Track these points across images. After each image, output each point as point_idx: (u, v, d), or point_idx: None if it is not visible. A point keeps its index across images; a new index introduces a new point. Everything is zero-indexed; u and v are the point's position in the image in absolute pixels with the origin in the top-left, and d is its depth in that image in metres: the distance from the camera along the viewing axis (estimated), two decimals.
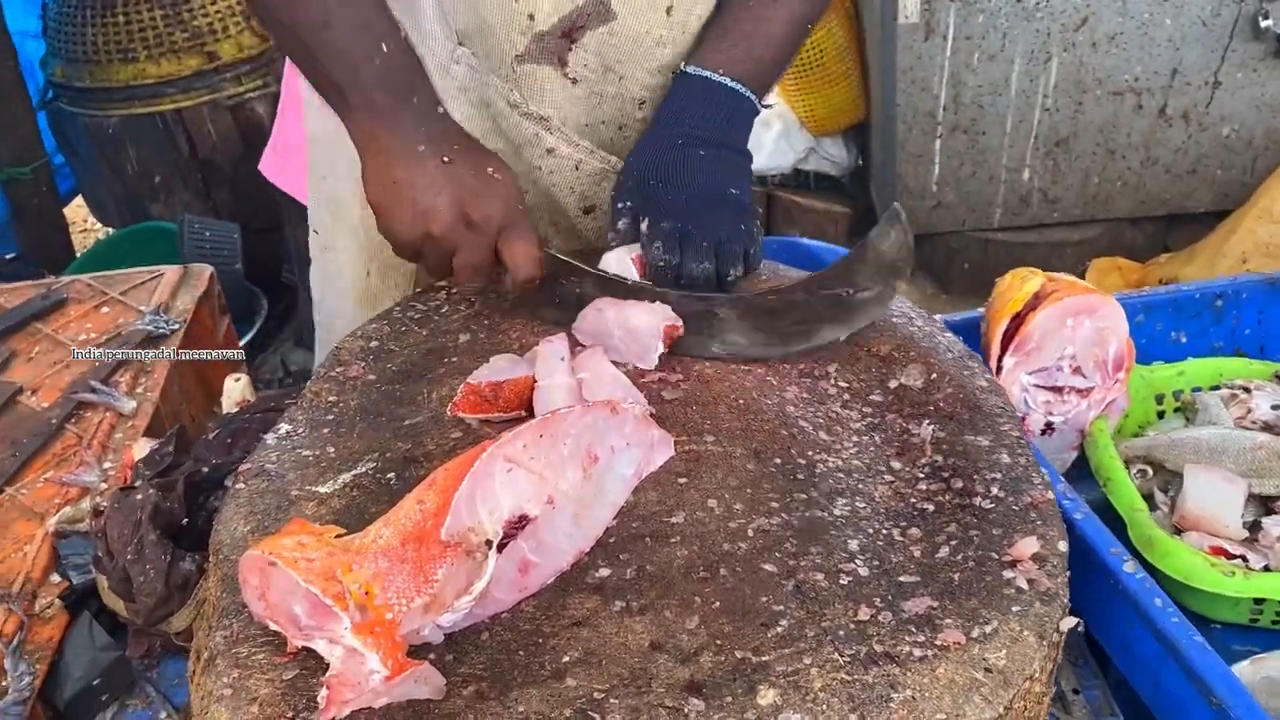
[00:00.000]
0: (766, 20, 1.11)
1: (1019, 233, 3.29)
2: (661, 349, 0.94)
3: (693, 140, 1.05)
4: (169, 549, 0.87)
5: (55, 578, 1.01)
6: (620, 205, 1.05)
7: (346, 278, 1.20)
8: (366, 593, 0.65)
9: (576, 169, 1.15)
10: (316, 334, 1.29)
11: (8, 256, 3.29)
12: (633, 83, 1.12)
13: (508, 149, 1.13)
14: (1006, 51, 3.03)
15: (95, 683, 0.92)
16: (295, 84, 1.20)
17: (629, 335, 0.95)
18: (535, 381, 0.87)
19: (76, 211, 3.85)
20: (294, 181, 1.24)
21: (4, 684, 0.91)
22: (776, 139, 3.60)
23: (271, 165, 1.30)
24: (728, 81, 1.07)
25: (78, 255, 3.31)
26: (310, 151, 1.15)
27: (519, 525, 0.71)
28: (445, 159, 0.93)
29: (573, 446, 0.76)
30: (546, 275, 0.98)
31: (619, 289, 0.98)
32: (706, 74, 1.08)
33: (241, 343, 2.65)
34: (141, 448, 1.07)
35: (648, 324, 0.95)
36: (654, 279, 1.00)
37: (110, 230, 3.65)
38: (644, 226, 1.01)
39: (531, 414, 0.87)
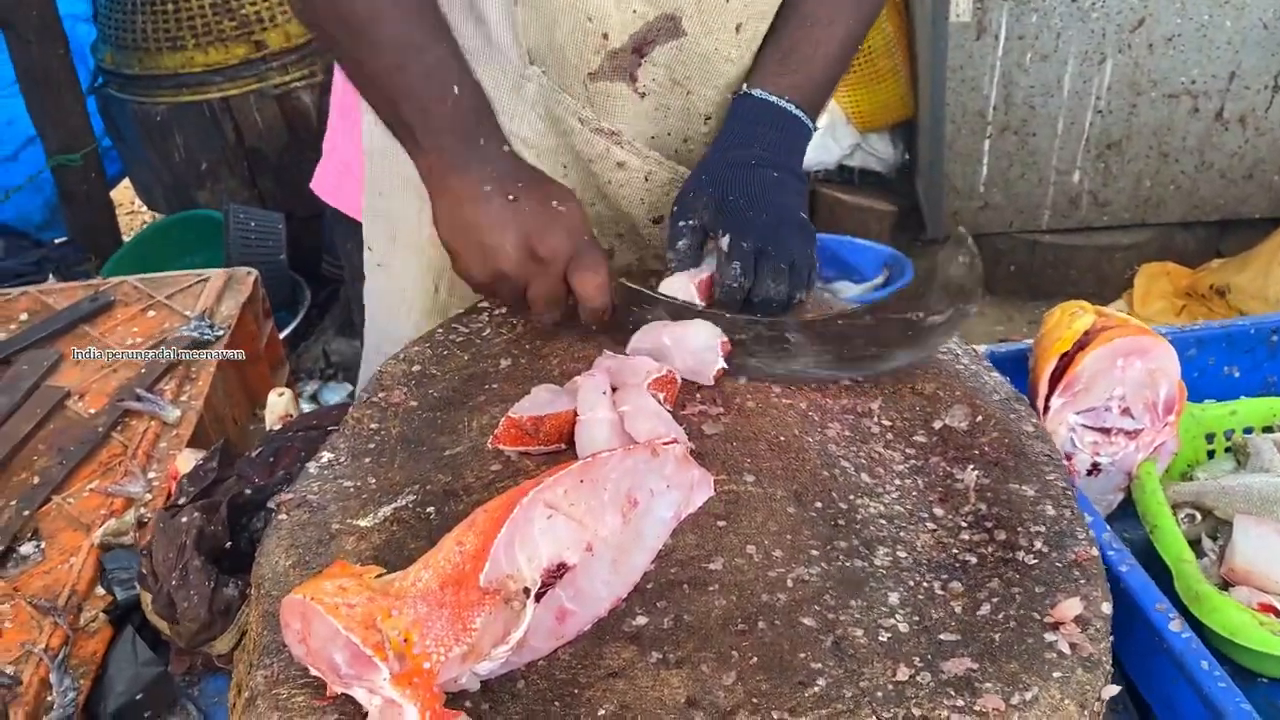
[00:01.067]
0: (824, 42, 1.11)
1: (1067, 235, 3.25)
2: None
3: (764, 162, 1.07)
4: (213, 575, 0.88)
5: (100, 590, 1.03)
6: (683, 223, 1.06)
7: (409, 294, 1.21)
8: (406, 640, 0.66)
9: (646, 180, 1.16)
10: (364, 354, 1.31)
11: (57, 241, 3.35)
12: (699, 98, 1.13)
13: (578, 164, 1.14)
14: (1060, 52, 2.98)
15: (138, 698, 0.94)
16: (349, 98, 1.21)
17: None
18: (576, 416, 0.87)
19: (124, 193, 3.90)
20: (349, 201, 1.25)
21: (50, 698, 0.93)
22: (822, 134, 3.57)
23: (326, 185, 1.30)
24: (791, 107, 1.09)
25: (124, 238, 3.37)
26: (367, 166, 1.16)
27: (558, 573, 0.72)
28: (511, 197, 0.94)
29: (613, 492, 0.76)
30: (619, 303, 0.99)
31: (688, 314, 0.99)
32: (772, 99, 1.09)
33: (284, 333, 2.70)
34: (186, 460, 1.09)
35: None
36: (723, 299, 1.01)
37: (157, 215, 3.70)
38: (723, 243, 1.01)
39: (571, 446, 0.88)
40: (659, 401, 0.90)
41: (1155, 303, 3.11)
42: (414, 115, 0.95)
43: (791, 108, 1.09)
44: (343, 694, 0.67)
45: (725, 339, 0.96)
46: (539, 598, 0.70)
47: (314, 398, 2.68)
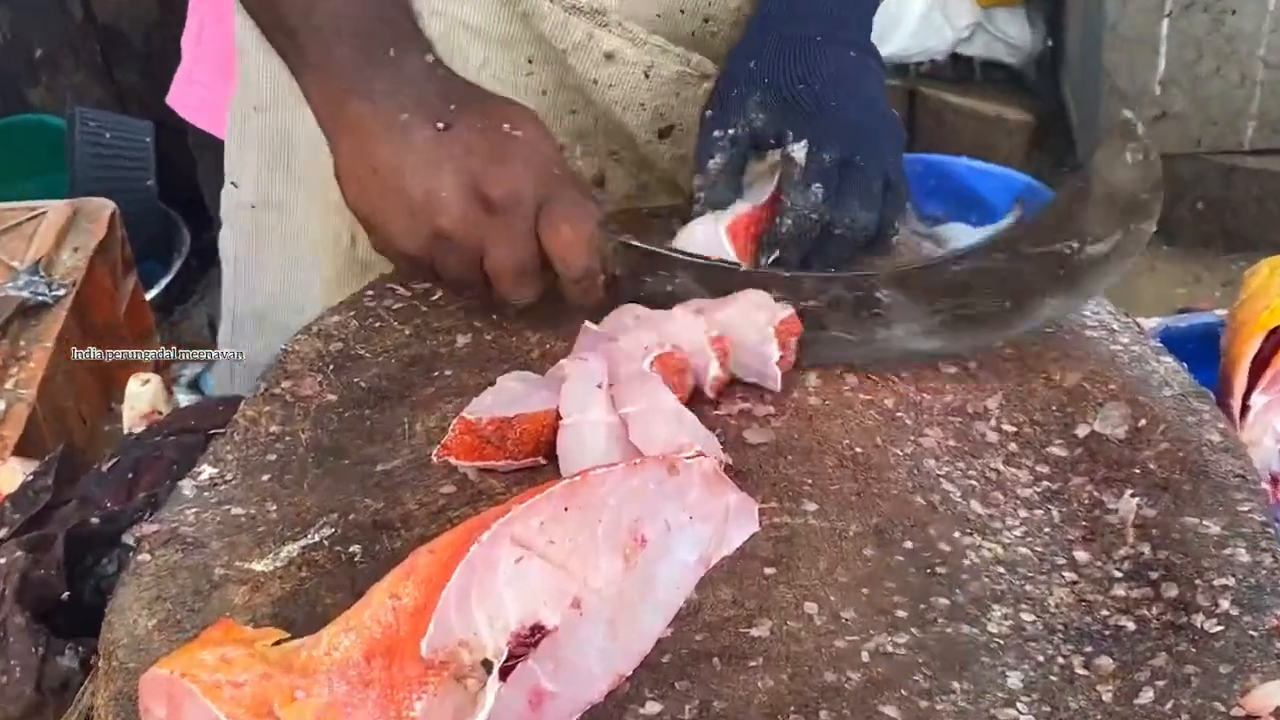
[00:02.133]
0: None
1: None
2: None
3: (830, 38, 1.08)
4: (42, 638, 0.89)
5: None
6: (720, 133, 1.06)
7: (311, 243, 1.22)
8: None
9: (646, 76, 1.17)
10: (220, 332, 1.32)
11: None
12: None
13: (549, 59, 1.15)
14: None
15: None
16: None
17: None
18: (559, 419, 0.88)
19: None
20: (219, 118, 1.26)
21: None
22: (926, 9, 3.55)
23: (189, 97, 1.32)
24: None
25: None
26: (240, 68, 1.17)
27: (532, 640, 0.72)
28: (441, 124, 0.94)
29: (611, 524, 0.76)
30: (620, 268, 0.99)
31: (726, 278, 0.99)
32: None
33: (153, 292, 2.72)
34: (11, 474, 1.10)
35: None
36: (788, 237, 1.02)
37: None
38: (796, 154, 1.02)
39: (552, 459, 0.89)
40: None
41: None
42: (295, 15, 0.95)
43: None
44: None
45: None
46: (505, 674, 0.70)
47: (194, 385, 2.70)
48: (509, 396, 0.90)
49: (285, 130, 1.17)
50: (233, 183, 1.22)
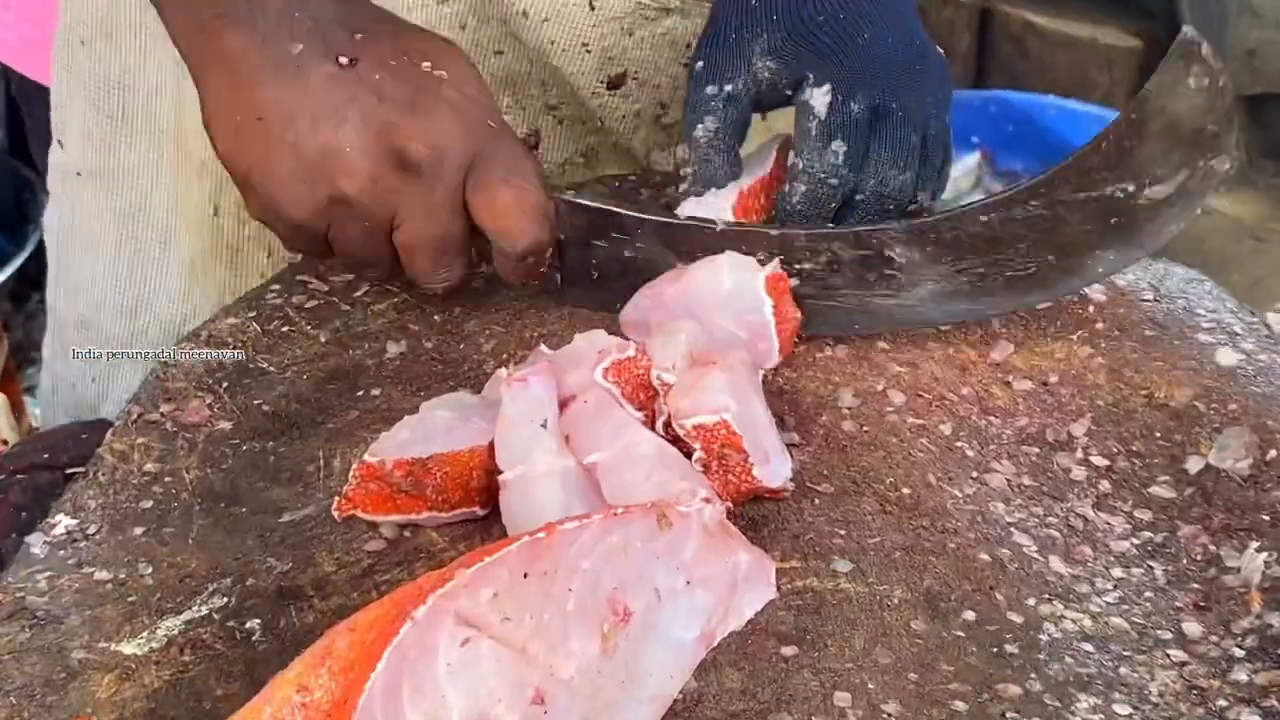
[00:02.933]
0: None
1: None
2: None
3: None
4: None
5: None
6: (714, 88, 1.07)
7: (148, 226, 1.22)
8: None
9: (591, 7, 1.18)
10: (46, 342, 1.32)
11: None
12: None
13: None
14: None
15: None
16: None
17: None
18: (497, 464, 0.88)
19: None
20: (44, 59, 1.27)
21: None
22: None
23: (9, 40, 1.32)
24: None
25: None
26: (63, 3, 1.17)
27: None
28: (343, 59, 0.95)
29: (584, 594, 0.77)
30: (568, 237, 1.01)
31: (699, 239, 1.01)
32: None
33: (3, 274, 2.72)
34: None
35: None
36: (798, 213, 1.03)
37: None
38: (815, 103, 1.03)
39: (497, 511, 0.89)
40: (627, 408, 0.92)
41: None
42: None
43: None
44: None
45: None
46: None
47: None
48: (428, 430, 0.91)
49: (122, 70, 1.17)
50: (58, 141, 1.21)
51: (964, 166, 3.34)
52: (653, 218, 1.02)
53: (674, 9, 1.18)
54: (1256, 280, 3.07)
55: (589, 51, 1.20)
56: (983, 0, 3.65)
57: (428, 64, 0.96)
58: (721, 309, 0.99)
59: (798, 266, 0.99)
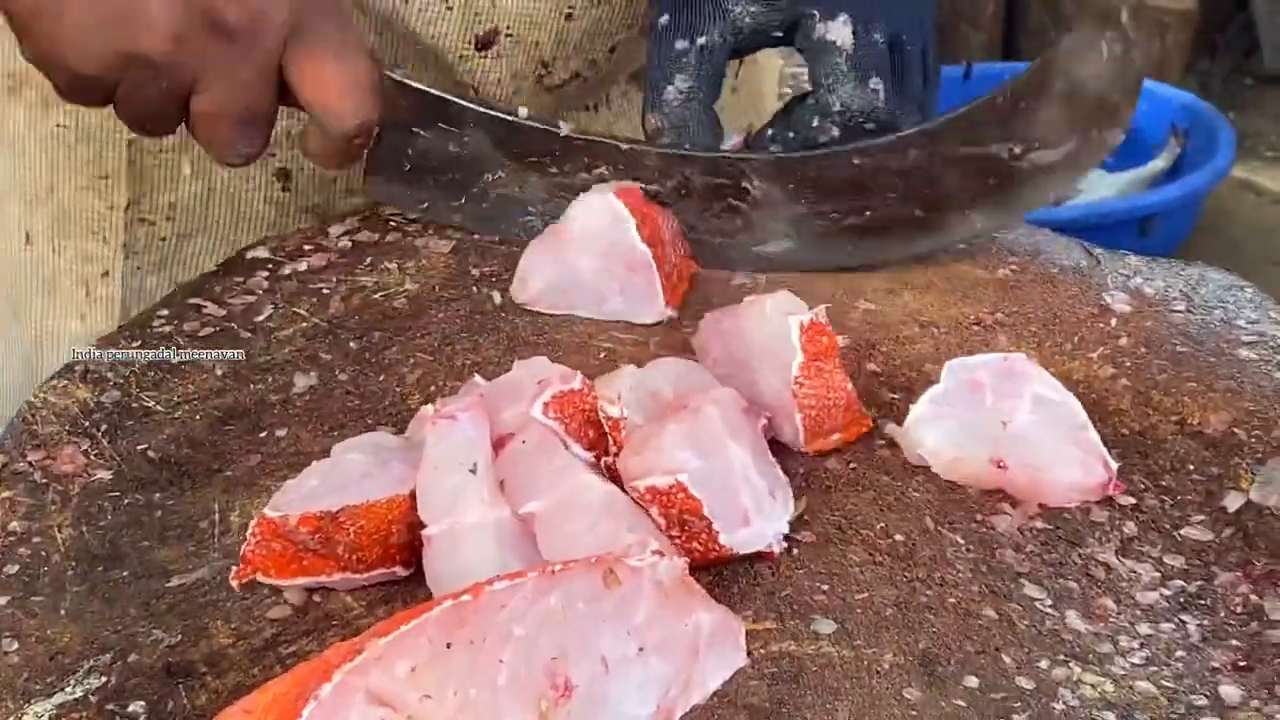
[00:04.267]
0: None
1: None
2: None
3: None
4: None
5: None
6: (686, 43, 1.09)
7: None
8: None
9: None
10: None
11: None
12: None
13: None
14: None
15: None
16: None
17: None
18: (420, 516, 0.89)
19: None
20: None
21: None
22: None
23: None
24: None
25: None
26: None
27: None
28: None
29: (519, 666, 0.77)
30: (391, 121, 1.04)
31: (540, 143, 1.05)
32: None
33: None
34: None
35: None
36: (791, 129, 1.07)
37: None
38: (838, 35, 1.05)
39: (420, 571, 0.90)
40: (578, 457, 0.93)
41: None
42: None
43: None
44: None
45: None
46: None
47: None
48: (341, 477, 0.91)
49: None
50: None
51: None
52: (489, 111, 1.05)
53: None
54: None
55: (450, 7, 1.20)
56: None
57: None
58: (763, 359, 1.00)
59: (644, 187, 1.02)
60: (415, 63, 1.23)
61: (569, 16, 1.20)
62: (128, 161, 1.24)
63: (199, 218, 1.28)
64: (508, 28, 1.20)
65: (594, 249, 1.02)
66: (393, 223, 1.18)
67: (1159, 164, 3.27)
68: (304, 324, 1.07)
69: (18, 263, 1.27)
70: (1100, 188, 3.28)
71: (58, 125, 1.23)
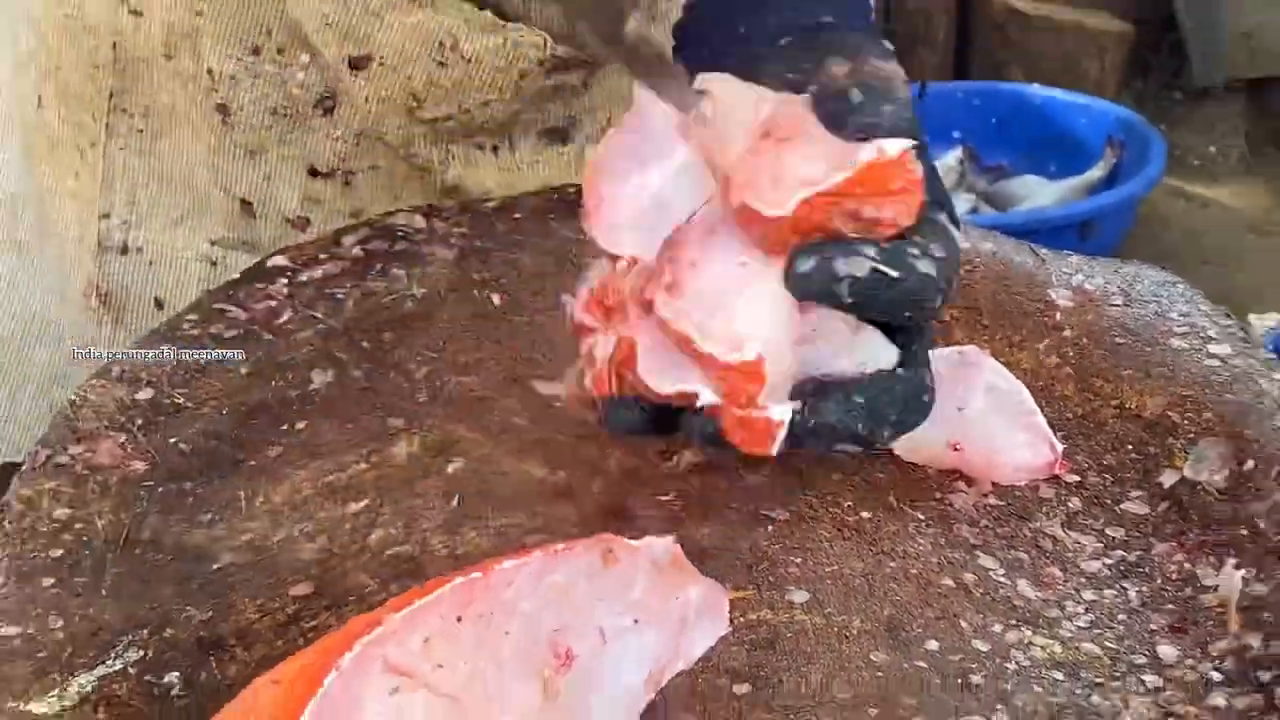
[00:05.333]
0: None
1: None
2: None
3: None
4: None
5: None
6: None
7: None
8: None
9: None
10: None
11: None
12: None
13: None
14: None
15: None
16: None
17: None
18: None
19: None
20: None
21: None
22: None
23: None
24: None
25: None
26: None
27: None
28: None
29: (524, 638, 0.78)
30: None
31: None
32: None
33: None
34: None
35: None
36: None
37: None
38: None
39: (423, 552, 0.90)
40: None
41: None
42: None
43: None
44: None
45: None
46: None
47: None
48: None
49: None
50: None
51: (943, 165, 3.35)
52: None
53: (425, 1, 1.18)
54: (1259, 276, 3.09)
55: (330, 26, 1.20)
56: None
57: None
58: None
59: None
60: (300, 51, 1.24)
61: (440, 64, 1.19)
62: (114, 59, 1.26)
63: (169, 124, 1.30)
64: (381, 57, 1.20)
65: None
66: (400, 233, 1.18)
67: (1097, 173, 3.28)
68: (320, 326, 1.08)
69: (32, 122, 1.32)
70: (1044, 195, 3.29)
71: (65, 15, 1.27)
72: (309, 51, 1.23)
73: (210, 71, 1.23)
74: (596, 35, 1.23)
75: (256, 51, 1.23)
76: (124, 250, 1.32)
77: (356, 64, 1.20)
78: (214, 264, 1.32)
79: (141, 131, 1.30)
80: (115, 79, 1.28)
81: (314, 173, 1.28)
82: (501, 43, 1.19)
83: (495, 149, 1.27)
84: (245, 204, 1.30)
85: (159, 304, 1.32)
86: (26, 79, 1.33)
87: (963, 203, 3.29)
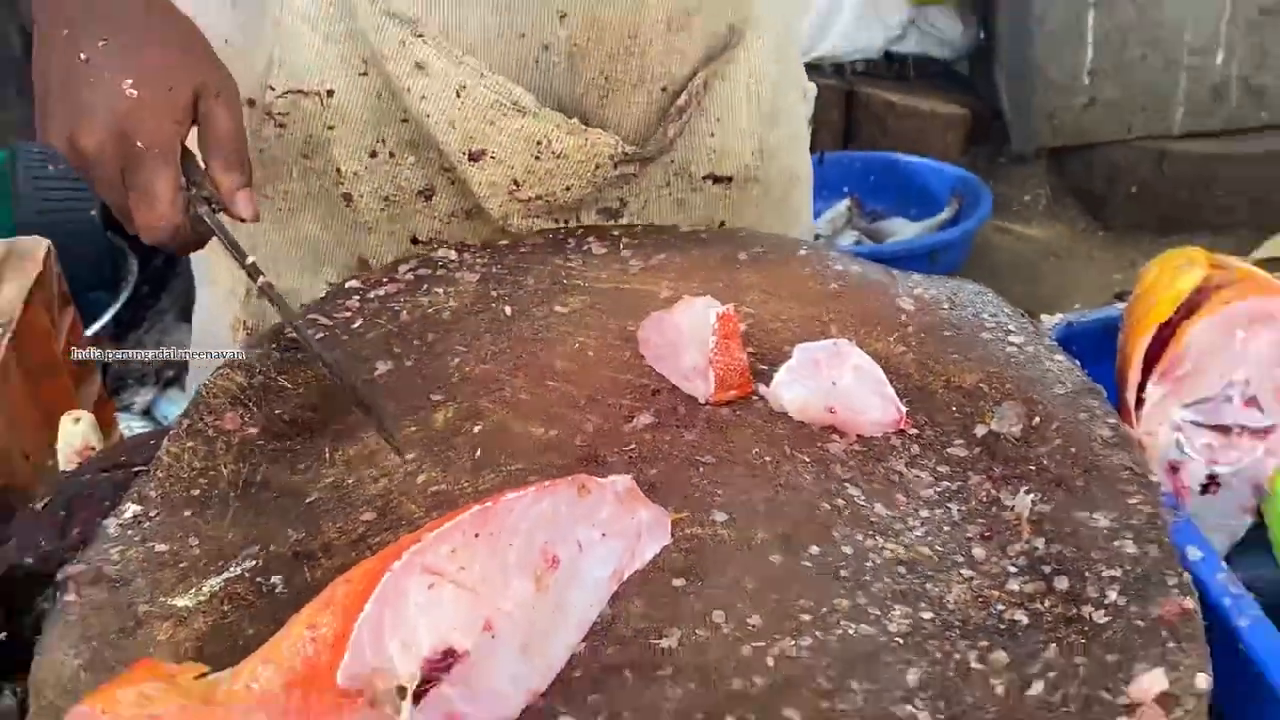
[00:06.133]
0: None
1: (1209, 142, 3.28)
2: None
3: None
4: None
5: None
6: None
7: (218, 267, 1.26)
8: None
9: (458, 96, 1.16)
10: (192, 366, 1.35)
11: None
12: None
13: (375, 60, 1.16)
14: None
15: None
16: None
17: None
18: None
19: None
20: None
21: None
22: (859, 7, 3.58)
23: None
24: None
25: None
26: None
27: (444, 664, 0.74)
28: (83, 56, 0.98)
29: (522, 548, 0.78)
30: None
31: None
32: None
33: (99, 324, 2.72)
34: None
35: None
36: None
37: None
38: None
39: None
40: None
41: None
42: None
43: None
44: None
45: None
46: (419, 698, 0.72)
47: (147, 413, 2.70)
48: None
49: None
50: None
51: (836, 211, 3.37)
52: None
53: (527, 109, 1.17)
54: (1058, 288, 3.11)
55: (455, 130, 1.18)
56: (847, 84, 3.68)
57: (128, 82, 0.99)
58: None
59: None
60: (421, 157, 1.23)
61: (536, 158, 1.18)
62: (259, 159, 1.23)
63: (303, 204, 1.28)
64: (492, 150, 1.18)
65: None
66: (440, 263, 1.18)
67: (944, 215, 3.27)
68: (382, 329, 1.08)
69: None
70: (907, 231, 3.30)
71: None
72: (415, 154, 1.21)
73: (339, 170, 1.22)
74: (645, 141, 1.22)
75: (374, 155, 1.22)
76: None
77: (474, 156, 1.19)
78: None
79: (280, 209, 1.26)
80: (259, 171, 1.23)
81: (414, 240, 1.27)
82: (584, 143, 1.18)
83: (566, 222, 1.26)
84: (362, 260, 1.28)
85: None
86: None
87: (849, 237, 3.30)
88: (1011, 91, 3.47)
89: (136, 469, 0.99)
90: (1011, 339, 1.01)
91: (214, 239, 1.04)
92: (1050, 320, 1.14)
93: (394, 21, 1.12)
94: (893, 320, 1.06)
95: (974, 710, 0.76)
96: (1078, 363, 0.99)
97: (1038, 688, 0.76)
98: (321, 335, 1.07)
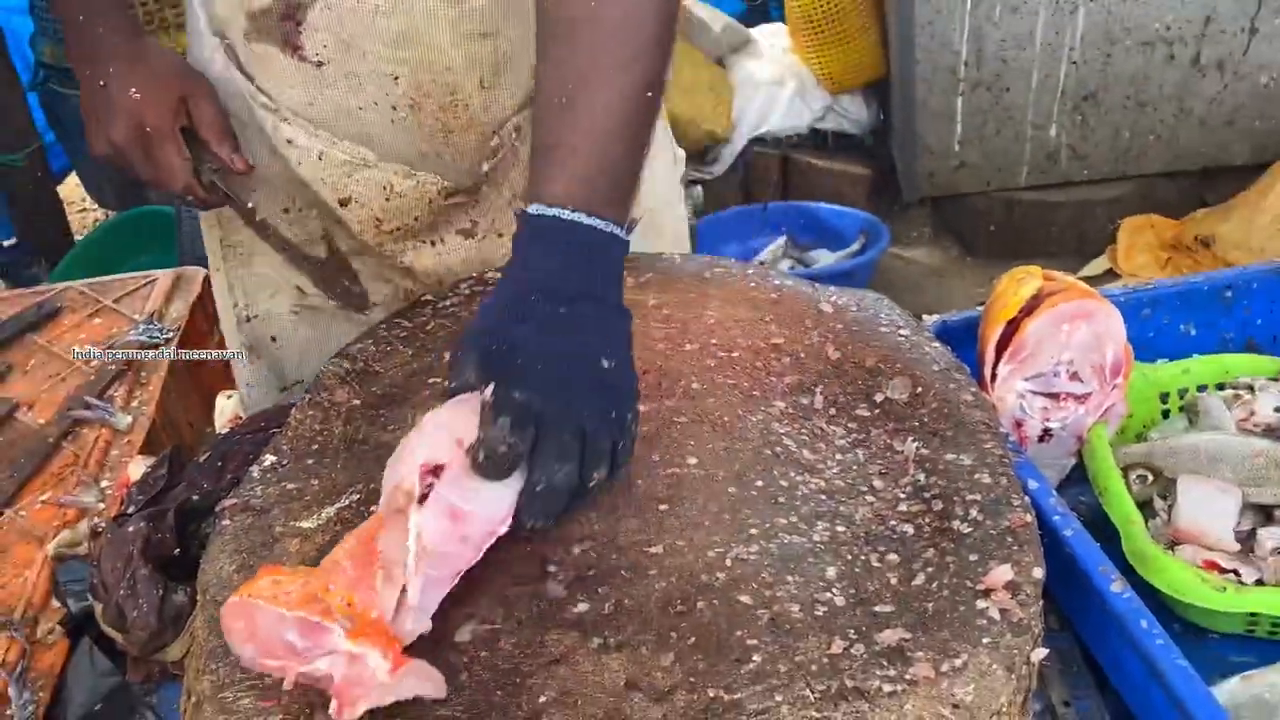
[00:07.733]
0: (589, 115, 0.88)
1: (1047, 192, 3.29)
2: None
3: (549, 295, 0.83)
4: (161, 583, 0.92)
5: (55, 603, 1.07)
6: (454, 384, 0.82)
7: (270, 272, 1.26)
8: (349, 603, 0.70)
9: (320, 159, 1.13)
10: (241, 361, 1.30)
11: (6, 244, 3.36)
12: (375, 58, 1.08)
13: (263, 137, 1.15)
14: (1030, 3, 3.00)
15: (97, 709, 0.98)
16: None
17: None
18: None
19: (74, 190, 3.91)
20: None
21: (8, 712, 0.97)
22: (791, 97, 3.60)
23: None
24: (581, 218, 0.85)
25: (75, 238, 3.38)
26: None
27: (435, 474, 0.74)
28: (102, 84, 1.07)
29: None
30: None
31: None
32: (553, 212, 0.85)
33: None
34: (137, 468, 1.12)
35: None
36: (487, 467, 0.76)
37: (109, 213, 3.70)
38: (486, 394, 0.77)
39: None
40: None
41: (1139, 257, 3.15)
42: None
43: (582, 217, 0.85)
44: (288, 694, 0.71)
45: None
46: (423, 499, 0.73)
47: None
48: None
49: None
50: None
51: (774, 245, 3.38)
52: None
53: (373, 164, 1.14)
54: (937, 299, 3.13)
55: (326, 185, 1.15)
56: (783, 152, 3.68)
57: (134, 90, 1.08)
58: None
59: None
60: (302, 205, 1.20)
61: (387, 199, 1.15)
62: (218, 222, 1.25)
63: (255, 249, 1.26)
64: (356, 198, 1.15)
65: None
66: (489, 282, 1.17)
67: (854, 247, 3.28)
68: (451, 329, 1.07)
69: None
70: (827, 259, 3.30)
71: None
72: (312, 208, 1.19)
73: (266, 223, 1.21)
74: (469, 176, 1.18)
75: (286, 210, 1.20)
76: (248, 320, 1.27)
77: (344, 203, 1.16)
78: (296, 314, 1.28)
79: (241, 254, 1.24)
80: (222, 231, 1.24)
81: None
82: (415, 184, 1.14)
83: (432, 243, 1.21)
84: (299, 289, 1.26)
85: (274, 339, 1.29)
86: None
87: (786, 264, 3.30)
88: (902, 157, 3.47)
89: (272, 430, 1.00)
90: (901, 332, 1.01)
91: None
92: (930, 319, 1.15)
93: (265, 110, 1.12)
94: (816, 319, 1.05)
95: (874, 596, 0.77)
96: (949, 349, 1.00)
97: (920, 579, 0.78)
98: (404, 334, 1.07)
